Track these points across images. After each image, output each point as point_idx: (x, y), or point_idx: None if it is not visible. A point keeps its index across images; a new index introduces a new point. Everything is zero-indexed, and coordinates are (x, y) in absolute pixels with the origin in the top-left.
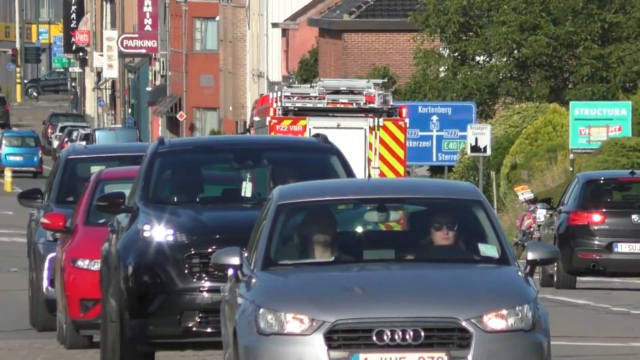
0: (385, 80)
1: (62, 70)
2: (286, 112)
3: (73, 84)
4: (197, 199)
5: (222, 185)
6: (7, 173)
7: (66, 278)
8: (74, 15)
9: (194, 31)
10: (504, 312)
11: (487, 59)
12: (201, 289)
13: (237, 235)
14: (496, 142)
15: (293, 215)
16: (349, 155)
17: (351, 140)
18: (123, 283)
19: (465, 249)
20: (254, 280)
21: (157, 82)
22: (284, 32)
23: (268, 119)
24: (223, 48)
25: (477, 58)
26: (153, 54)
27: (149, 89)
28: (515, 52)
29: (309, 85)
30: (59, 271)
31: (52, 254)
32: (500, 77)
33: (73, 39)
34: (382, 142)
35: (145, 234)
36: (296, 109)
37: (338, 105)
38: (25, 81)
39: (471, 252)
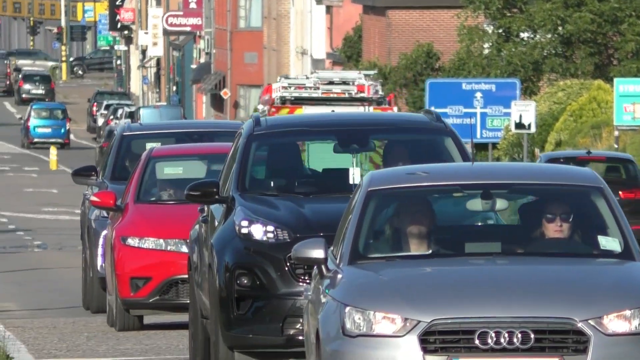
0: (375, 72)
1: (107, 48)
2: (284, 101)
3: (118, 62)
4: (299, 188)
5: (327, 172)
6: (53, 151)
7: (116, 256)
8: None
9: (239, 8)
10: (628, 312)
11: (532, 36)
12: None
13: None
14: (540, 119)
15: (384, 203)
16: None
17: None
18: (219, 284)
19: (583, 242)
20: (339, 276)
21: (202, 60)
22: (328, 9)
23: (268, 107)
24: (267, 25)
25: (522, 35)
26: (198, 32)
27: (193, 66)
28: (560, 28)
29: (305, 76)
30: (109, 250)
31: (106, 231)
32: (545, 54)
33: (118, 17)
34: None
35: (243, 231)
36: (293, 98)
37: (331, 95)
38: (71, 59)
39: (589, 245)
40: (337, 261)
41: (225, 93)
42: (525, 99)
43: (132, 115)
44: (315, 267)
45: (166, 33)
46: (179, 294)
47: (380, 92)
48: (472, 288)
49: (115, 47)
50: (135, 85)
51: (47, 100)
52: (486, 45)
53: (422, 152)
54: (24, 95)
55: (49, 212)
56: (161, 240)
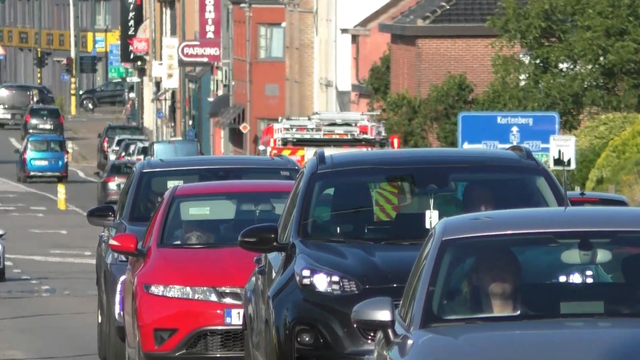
0: (379, 112)
1: (119, 80)
2: (285, 142)
3: (130, 95)
4: (368, 234)
5: (400, 216)
6: (61, 189)
7: (138, 306)
8: (131, 22)
9: (258, 38)
10: None
11: (571, 66)
12: None
13: None
14: (581, 154)
15: (462, 255)
16: None
17: None
18: (277, 342)
19: None
20: (409, 342)
21: (220, 92)
22: (354, 39)
23: (269, 149)
24: (289, 55)
25: (561, 65)
26: (215, 63)
27: (210, 99)
28: (601, 58)
29: (307, 118)
30: (130, 299)
31: (125, 277)
32: (585, 86)
33: (131, 48)
34: None
35: (305, 282)
36: (295, 139)
37: (334, 136)
38: (80, 92)
39: None
40: (407, 324)
41: (245, 127)
42: (564, 133)
43: (145, 151)
44: (380, 331)
45: (182, 64)
46: (208, 347)
47: (383, 134)
48: (571, 357)
49: (128, 79)
50: (149, 119)
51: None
52: (523, 76)
53: (510, 194)
54: (31, 131)
55: (58, 255)
56: (188, 288)
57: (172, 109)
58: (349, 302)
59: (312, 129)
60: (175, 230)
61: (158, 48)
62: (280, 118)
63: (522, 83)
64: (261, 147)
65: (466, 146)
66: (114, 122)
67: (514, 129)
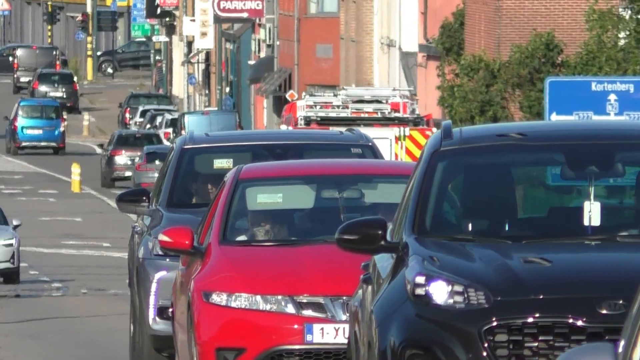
0: (412, 89)
1: (144, 40)
2: (308, 122)
3: (157, 57)
4: (507, 230)
5: (548, 205)
6: (75, 169)
7: (197, 318)
8: None
9: None
10: None
11: None
12: None
13: (583, 296)
14: None
15: None
16: None
17: None
18: None
19: None
20: None
21: (262, 54)
22: None
23: (290, 128)
24: (345, 10)
25: None
26: (257, 19)
27: (251, 62)
28: None
29: (332, 94)
30: (186, 309)
31: (162, 273)
32: None
33: (158, 1)
34: (408, 152)
35: (418, 292)
36: (319, 118)
37: (362, 115)
38: (98, 54)
39: None
40: None
41: (292, 95)
42: None
43: (174, 124)
44: None
45: (218, 20)
46: None
47: (417, 112)
48: None
49: (154, 38)
50: (179, 86)
51: (69, 105)
52: (622, 34)
53: None
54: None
55: (71, 246)
56: (258, 297)
57: (206, 74)
58: (476, 319)
59: (338, 107)
60: (241, 222)
61: (190, 1)
62: (303, 94)
63: (622, 42)
64: (283, 127)
65: (554, 118)
66: (138, 90)
67: (612, 97)
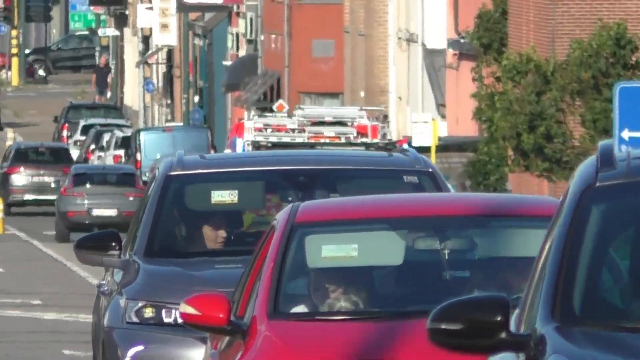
0: (382, 108)
1: (87, 34)
2: (258, 147)
3: (104, 56)
4: None
5: None
6: None
7: None
8: None
9: None
10: None
11: None
12: None
13: None
14: None
15: None
16: None
17: None
18: None
19: None
20: None
21: (242, 53)
22: None
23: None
24: None
25: None
26: (234, 6)
27: (227, 63)
28: None
29: (285, 115)
30: None
31: (138, 349)
32: None
33: None
34: None
35: None
36: (270, 144)
37: (322, 140)
38: (27, 52)
39: None
40: None
41: (281, 107)
42: None
43: (126, 144)
44: None
45: (183, 9)
46: None
47: (389, 136)
48: None
49: (100, 31)
50: (133, 94)
51: None
52: None
53: None
54: None
55: None
56: None
57: (168, 79)
58: None
59: (293, 130)
60: (298, 286)
61: None
62: (252, 114)
63: None
64: (227, 152)
65: (626, 134)
66: (79, 99)
67: None
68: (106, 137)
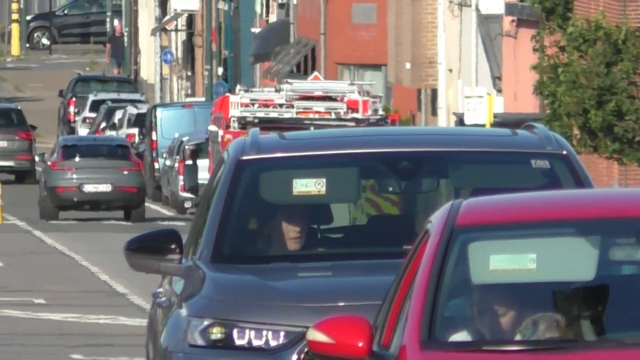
0: (373, 82)
1: None
2: (244, 124)
3: (115, 23)
4: None
5: None
6: None
7: None
8: None
9: None
10: None
11: None
12: None
13: None
14: None
15: None
16: None
17: None
18: None
19: None
20: None
21: (272, 18)
22: None
23: (221, 132)
24: None
25: None
26: None
27: (255, 30)
28: None
29: (273, 89)
30: None
31: None
32: None
33: None
34: None
35: None
36: (256, 120)
37: (311, 115)
38: (28, 18)
39: None
40: None
41: (316, 79)
42: None
43: (141, 122)
44: None
45: None
46: None
47: (381, 112)
48: None
49: None
50: (149, 66)
51: None
52: None
53: None
54: None
55: None
56: None
57: (189, 48)
58: None
59: (281, 105)
60: (458, 307)
61: None
62: (237, 88)
63: None
64: (212, 128)
65: None
66: (88, 71)
67: None
68: (118, 114)
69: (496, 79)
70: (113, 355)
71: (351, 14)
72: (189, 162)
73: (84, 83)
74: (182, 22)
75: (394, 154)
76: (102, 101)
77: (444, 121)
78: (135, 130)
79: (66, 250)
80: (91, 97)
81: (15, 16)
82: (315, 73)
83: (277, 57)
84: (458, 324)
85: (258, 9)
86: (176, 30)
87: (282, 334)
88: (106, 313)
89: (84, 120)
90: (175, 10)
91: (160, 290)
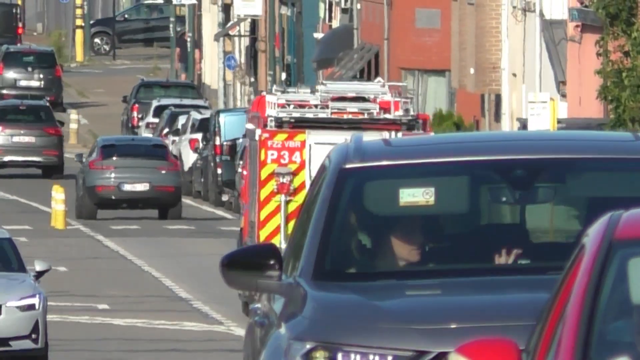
0: (404, 84)
1: (157, 2)
2: (280, 123)
3: (179, 29)
4: None
5: None
6: (57, 194)
7: None
8: None
9: None
10: None
11: None
12: None
13: None
14: None
15: None
16: None
17: None
18: None
19: None
20: None
21: (335, 24)
22: None
23: (258, 131)
24: None
25: None
26: None
27: (318, 35)
28: None
29: (308, 91)
30: None
31: None
32: None
33: None
34: None
35: None
36: (293, 120)
37: (345, 116)
38: (91, 22)
39: None
40: None
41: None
42: None
43: (203, 127)
44: None
45: None
46: None
47: (412, 112)
48: None
49: (174, 0)
50: (211, 71)
51: (48, 99)
52: None
53: None
54: (4, 92)
55: (52, 310)
56: None
57: (252, 54)
58: None
59: (316, 106)
60: (621, 329)
61: None
62: (274, 88)
63: None
64: (249, 126)
65: None
66: (151, 77)
67: None
68: (182, 119)
69: (560, 83)
70: None
71: (415, 19)
72: (226, 157)
73: (147, 88)
74: (245, 27)
75: (508, 161)
76: (165, 106)
77: (508, 127)
78: (198, 136)
79: (129, 255)
80: (154, 103)
81: (79, 22)
82: (379, 78)
83: (340, 62)
84: (617, 348)
85: (321, 14)
86: (239, 35)
87: (389, 358)
88: (169, 318)
89: (147, 125)
90: (239, 15)
91: (259, 306)
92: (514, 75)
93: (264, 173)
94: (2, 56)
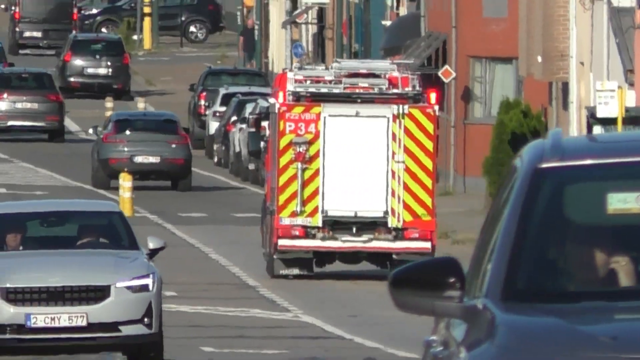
0: (411, 61)
1: None
2: (298, 97)
3: (247, 16)
4: None
5: None
6: (124, 182)
7: None
8: None
9: None
10: None
11: None
12: None
13: None
14: None
15: None
16: (369, 148)
17: (372, 130)
18: None
19: None
20: None
21: (403, 11)
22: None
23: (277, 104)
24: None
25: None
26: None
27: (386, 23)
28: None
29: (323, 67)
30: None
31: None
32: None
33: None
34: (407, 132)
35: None
36: (309, 94)
37: (357, 90)
38: (183, 10)
39: None
40: None
41: (447, 73)
42: None
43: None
44: None
45: None
46: None
47: (418, 87)
48: None
49: None
50: (279, 58)
51: (116, 87)
52: None
53: None
54: (72, 80)
55: None
56: None
57: (320, 41)
58: None
59: (330, 81)
60: None
61: None
62: (293, 65)
63: None
64: (271, 100)
65: None
66: (218, 64)
67: None
68: (249, 107)
69: (628, 72)
70: (243, 347)
71: (482, 7)
72: (252, 129)
73: (215, 76)
74: (312, 15)
75: None
76: (233, 94)
77: (576, 115)
78: (265, 123)
79: (197, 242)
80: (222, 91)
81: (147, 9)
82: (446, 67)
83: (407, 50)
84: None
85: (389, 1)
86: (307, 23)
87: None
88: (236, 305)
89: (214, 114)
90: (306, 3)
91: (434, 338)
92: (582, 63)
93: (283, 142)
94: (70, 44)
